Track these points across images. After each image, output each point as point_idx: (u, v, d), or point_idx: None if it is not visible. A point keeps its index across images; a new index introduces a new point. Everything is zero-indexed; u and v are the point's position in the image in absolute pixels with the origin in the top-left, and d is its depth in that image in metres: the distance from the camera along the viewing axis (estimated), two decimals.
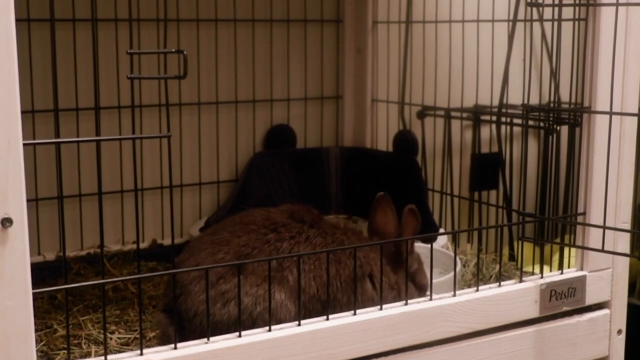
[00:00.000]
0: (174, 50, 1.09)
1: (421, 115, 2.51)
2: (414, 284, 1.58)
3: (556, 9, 1.48)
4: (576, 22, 1.88)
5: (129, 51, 1.07)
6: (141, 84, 2.12)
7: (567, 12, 2.18)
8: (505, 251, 2.51)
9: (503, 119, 2.47)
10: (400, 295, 1.53)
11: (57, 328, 1.69)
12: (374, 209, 1.60)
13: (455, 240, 2.24)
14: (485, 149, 2.60)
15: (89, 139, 1.09)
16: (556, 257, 1.69)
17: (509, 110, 2.50)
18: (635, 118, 1.56)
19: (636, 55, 1.54)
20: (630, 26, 1.51)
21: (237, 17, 2.30)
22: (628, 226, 1.62)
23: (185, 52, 1.09)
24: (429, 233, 2.13)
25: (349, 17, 2.46)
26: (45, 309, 1.79)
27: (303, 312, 1.38)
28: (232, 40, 2.30)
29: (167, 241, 2.23)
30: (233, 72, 2.31)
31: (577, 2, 1.50)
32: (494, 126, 2.56)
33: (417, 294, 1.59)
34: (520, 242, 1.65)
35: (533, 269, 2.04)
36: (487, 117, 2.51)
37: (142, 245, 2.21)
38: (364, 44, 2.46)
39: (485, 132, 2.60)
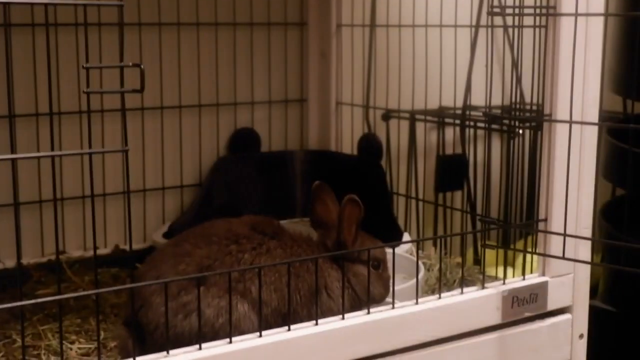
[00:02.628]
0: (131, 64, 1.08)
1: (386, 117, 2.52)
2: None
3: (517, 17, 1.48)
4: (537, 29, 1.88)
5: (85, 65, 1.05)
6: (102, 88, 2.10)
7: (529, 20, 2.20)
8: (470, 254, 2.52)
9: (467, 121, 2.48)
10: (354, 288, 1.52)
11: (16, 339, 1.67)
12: (312, 200, 1.59)
13: (418, 245, 2.25)
14: (450, 151, 2.61)
15: (46, 154, 1.07)
16: (520, 260, 1.70)
17: (473, 112, 2.51)
18: (596, 127, 1.57)
19: (596, 65, 1.55)
20: (589, 36, 1.52)
21: (200, 20, 2.28)
22: (589, 232, 1.63)
23: (142, 66, 1.08)
24: (393, 237, 2.13)
25: (313, 20, 2.46)
26: (5, 319, 1.77)
27: (265, 325, 1.37)
28: (195, 43, 2.29)
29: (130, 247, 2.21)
30: (196, 75, 2.30)
31: (538, 11, 1.50)
32: (458, 128, 2.57)
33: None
34: (483, 248, 1.65)
35: (497, 271, 2.05)
36: (451, 120, 2.51)
37: (105, 251, 2.19)
38: (328, 47, 2.45)
39: (449, 133, 2.61)
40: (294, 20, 2.45)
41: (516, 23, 1.51)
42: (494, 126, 2.38)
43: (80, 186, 2.14)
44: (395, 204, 2.46)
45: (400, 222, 2.41)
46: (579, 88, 1.53)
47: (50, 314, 1.80)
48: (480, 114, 2.52)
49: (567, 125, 1.51)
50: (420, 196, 2.50)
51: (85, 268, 2.08)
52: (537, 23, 1.68)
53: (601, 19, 1.51)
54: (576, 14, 1.42)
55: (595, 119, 1.56)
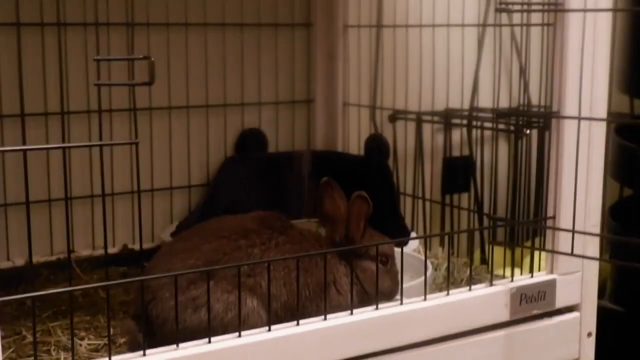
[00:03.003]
0: (141, 56, 1.08)
1: (392, 119, 2.52)
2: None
3: (525, 14, 1.48)
4: (545, 27, 1.89)
5: (96, 58, 1.06)
6: (111, 89, 2.11)
7: (536, 18, 2.21)
8: (477, 254, 2.52)
9: (474, 123, 2.49)
10: (363, 283, 1.52)
11: (25, 335, 1.68)
12: (320, 196, 1.59)
13: (426, 244, 2.25)
14: (457, 153, 2.61)
15: (56, 145, 1.08)
16: (527, 260, 1.70)
17: (480, 114, 2.51)
18: (604, 123, 1.57)
19: (604, 60, 1.55)
20: (597, 31, 1.52)
21: (208, 21, 2.29)
22: (597, 230, 1.63)
23: (152, 59, 1.08)
24: (400, 237, 2.13)
25: (319, 21, 2.46)
26: (14, 315, 1.77)
27: (274, 320, 1.37)
28: (203, 44, 2.29)
29: (138, 246, 2.21)
30: (204, 76, 2.31)
31: (545, 7, 1.50)
32: (465, 129, 2.57)
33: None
34: (491, 246, 1.65)
35: (504, 272, 2.05)
36: (458, 121, 2.52)
37: (113, 250, 2.19)
38: (335, 48, 2.46)
39: (456, 135, 2.61)
40: (300, 21, 2.46)
41: (524, 21, 1.51)
42: (501, 127, 2.38)
43: (89, 185, 2.15)
44: (402, 205, 2.47)
45: (408, 222, 2.41)
46: (587, 85, 1.54)
47: (60, 311, 1.80)
48: (487, 115, 2.52)
49: (575, 122, 1.52)
50: (427, 197, 2.50)
51: (93, 267, 2.08)
52: (545, 21, 1.69)
53: (609, 15, 1.51)
54: (585, 10, 1.42)
55: (604, 115, 1.56)
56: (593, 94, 1.56)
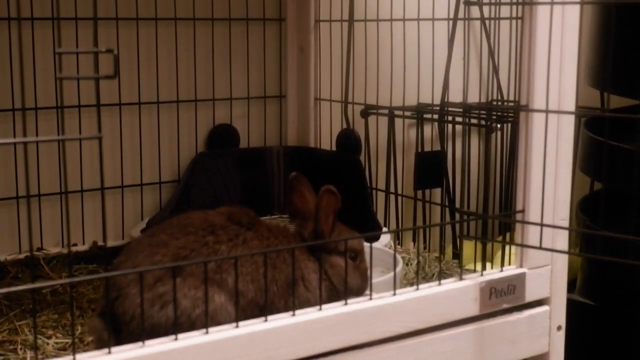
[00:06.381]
0: (104, 49, 1.07)
1: (364, 114, 2.51)
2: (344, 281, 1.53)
3: (493, 7, 1.48)
4: (514, 21, 1.89)
5: (57, 50, 1.04)
6: (79, 85, 2.09)
7: (507, 11, 2.21)
8: (450, 250, 2.52)
9: (445, 117, 2.49)
10: (331, 279, 1.51)
11: None
12: (289, 191, 1.58)
13: (396, 239, 2.25)
14: (429, 148, 2.61)
15: (13, 140, 1.06)
16: (499, 256, 1.70)
17: (451, 109, 2.51)
18: (573, 116, 1.57)
19: (572, 54, 1.55)
20: (566, 25, 1.52)
21: (178, 15, 2.27)
22: (566, 223, 1.63)
23: (115, 52, 1.07)
24: (371, 232, 2.13)
25: (291, 16, 2.45)
26: None
27: (242, 316, 1.36)
28: (173, 39, 2.28)
29: (108, 243, 2.20)
30: (174, 71, 2.29)
31: (513, 0, 1.50)
32: (436, 125, 2.57)
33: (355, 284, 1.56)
34: (460, 240, 1.65)
35: (475, 266, 2.06)
36: (430, 116, 2.52)
37: (82, 248, 2.17)
38: (306, 43, 2.45)
39: (428, 130, 2.61)
40: (272, 15, 2.45)
41: (493, 14, 1.50)
42: (472, 121, 2.38)
43: (57, 182, 2.13)
44: (374, 200, 2.46)
45: (380, 217, 2.41)
46: (555, 78, 1.53)
47: (27, 310, 1.78)
48: (458, 110, 2.52)
49: (544, 115, 1.51)
50: (400, 192, 2.50)
51: (63, 265, 2.06)
52: (514, 14, 1.68)
53: (577, 8, 1.51)
54: (552, 2, 1.42)
55: (572, 108, 1.56)
56: (561, 87, 1.55)
